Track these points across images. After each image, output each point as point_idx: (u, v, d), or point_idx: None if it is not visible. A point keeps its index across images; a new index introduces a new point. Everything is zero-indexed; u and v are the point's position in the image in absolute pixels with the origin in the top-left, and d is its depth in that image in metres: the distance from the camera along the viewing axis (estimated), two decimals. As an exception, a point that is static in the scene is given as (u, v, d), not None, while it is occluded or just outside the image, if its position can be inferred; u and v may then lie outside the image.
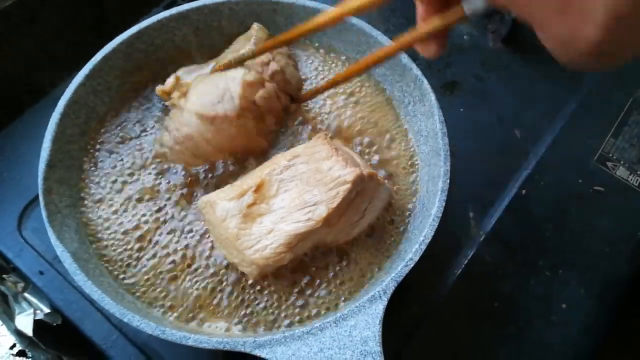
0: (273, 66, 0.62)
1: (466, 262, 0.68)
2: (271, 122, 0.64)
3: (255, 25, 0.66)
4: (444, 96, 0.81)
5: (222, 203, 0.54)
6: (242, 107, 0.60)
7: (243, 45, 0.63)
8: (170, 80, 0.62)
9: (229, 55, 0.63)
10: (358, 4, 0.50)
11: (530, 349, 0.65)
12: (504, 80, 0.84)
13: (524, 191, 0.74)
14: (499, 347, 0.65)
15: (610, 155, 0.77)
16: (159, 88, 0.62)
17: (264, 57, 0.62)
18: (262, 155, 0.63)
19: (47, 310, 0.65)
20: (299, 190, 0.54)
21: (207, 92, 0.60)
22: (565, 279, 0.69)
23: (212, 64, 0.65)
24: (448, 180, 0.56)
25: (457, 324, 0.66)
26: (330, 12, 0.53)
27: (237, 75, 0.60)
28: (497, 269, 0.69)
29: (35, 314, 0.64)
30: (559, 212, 0.73)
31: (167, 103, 0.62)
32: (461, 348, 0.64)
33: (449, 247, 0.69)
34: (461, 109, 0.80)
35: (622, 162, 0.76)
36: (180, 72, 0.63)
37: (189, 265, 0.58)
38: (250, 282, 0.57)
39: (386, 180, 0.62)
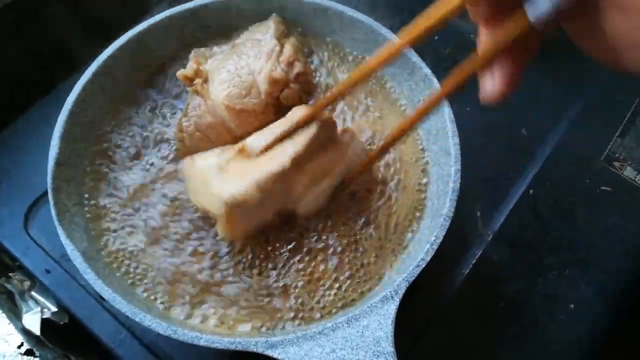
0: (298, 67, 0.63)
1: (474, 262, 0.68)
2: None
3: (274, 17, 0.66)
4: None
5: (203, 159, 0.57)
6: (267, 102, 0.62)
7: (261, 33, 0.64)
8: (191, 65, 0.62)
9: (247, 42, 0.64)
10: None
11: (537, 349, 0.65)
12: (510, 78, 0.83)
13: (531, 191, 0.74)
14: (507, 348, 0.65)
15: (617, 155, 0.77)
16: (180, 72, 0.62)
17: (289, 56, 0.63)
18: None
19: (54, 308, 0.65)
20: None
21: (233, 83, 0.60)
22: (573, 278, 0.69)
23: (225, 47, 0.65)
24: (459, 180, 0.56)
25: (465, 324, 0.66)
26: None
27: (263, 70, 0.61)
28: (504, 269, 0.69)
29: (42, 312, 0.64)
30: (567, 212, 0.73)
31: (188, 89, 0.62)
32: (469, 348, 0.65)
33: (456, 246, 0.69)
34: (468, 108, 0.80)
35: (629, 162, 0.76)
36: (195, 54, 0.64)
37: (197, 262, 0.57)
38: (261, 280, 0.57)
39: (397, 182, 0.62)
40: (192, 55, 0.64)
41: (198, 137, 0.62)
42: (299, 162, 0.54)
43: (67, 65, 0.76)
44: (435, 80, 0.62)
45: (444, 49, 0.86)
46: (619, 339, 0.68)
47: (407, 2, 0.91)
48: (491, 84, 0.35)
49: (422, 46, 0.84)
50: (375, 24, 0.66)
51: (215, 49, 0.65)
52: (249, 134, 0.61)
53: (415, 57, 0.63)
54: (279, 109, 0.64)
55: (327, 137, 0.56)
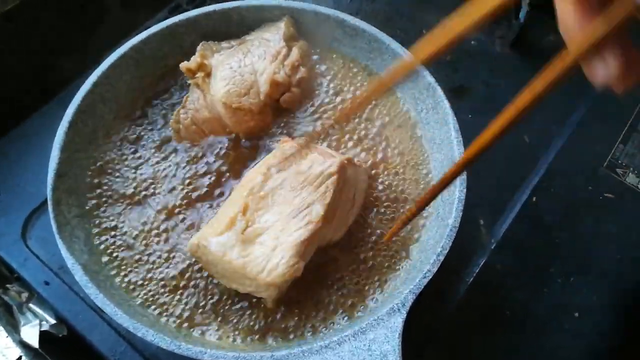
0: (302, 72, 0.64)
1: (477, 270, 0.68)
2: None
3: (286, 19, 0.67)
4: (452, 102, 0.81)
5: (215, 239, 0.52)
6: (266, 103, 0.62)
7: (271, 34, 0.65)
8: (195, 58, 0.62)
9: (255, 40, 0.65)
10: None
11: (542, 358, 0.64)
12: (512, 85, 0.82)
13: (534, 198, 0.73)
14: (512, 357, 0.64)
15: (620, 161, 0.76)
16: (183, 65, 0.62)
17: (295, 60, 0.64)
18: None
19: (52, 321, 0.64)
20: (286, 198, 0.54)
21: (234, 81, 0.61)
22: (577, 286, 0.68)
23: (233, 42, 0.66)
24: (465, 190, 0.55)
25: (469, 333, 0.65)
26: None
27: (266, 71, 0.61)
28: (508, 278, 0.68)
29: (40, 325, 0.63)
30: (570, 219, 0.73)
31: (190, 82, 0.63)
32: (474, 358, 0.64)
33: (460, 255, 0.68)
34: (469, 115, 0.79)
35: (631, 169, 0.76)
36: (202, 47, 0.64)
37: (197, 272, 0.57)
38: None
39: (401, 191, 0.61)
40: (199, 47, 0.64)
41: (193, 130, 0.62)
42: (327, 217, 0.53)
43: (65, 75, 0.75)
44: (439, 88, 0.61)
45: (444, 56, 0.85)
46: (624, 348, 0.68)
47: (407, 10, 0.90)
48: (604, 67, 0.33)
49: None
50: (378, 32, 0.65)
51: (224, 44, 0.66)
52: (244, 132, 0.62)
53: (418, 66, 0.63)
54: (277, 111, 0.64)
55: (343, 181, 0.56)
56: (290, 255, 0.51)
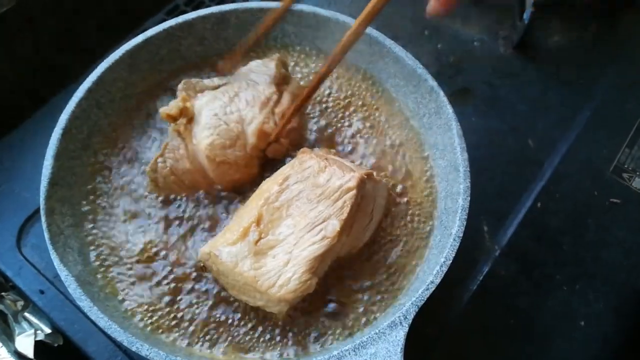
0: (293, 122, 0.59)
1: (481, 278, 0.66)
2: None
3: (277, 58, 0.63)
4: (455, 104, 0.79)
5: (226, 249, 0.51)
6: (252, 155, 0.58)
7: (259, 74, 0.61)
8: (176, 103, 0.58)
9: (243, 82, 0.61)
10: None
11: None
12: (516, 87, 0.82)
13: (539, 204, 0.72)
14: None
15: (626, 166, 0.75)
16: (163, 110, 0.57)
17: (286, 108, 0.59)
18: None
19: (48, 330, 0.63)
20: (302, 211, 0.52)
21: (219, 131, 0.57)
22: (583, 293, 0.67)
23: (216, 80, 0.62)
24: (469, 198, 0.54)
25: (473, 342, 0.64)
26: None
27: (255, 120, 0.58)
28: (513, 285, 0.67)
29: (35, 334, 0.62)
30: (576, 225, 0.71)
31: (170, 129, 0.59)
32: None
33: (463, 262, 0.66)
34: (473, 118, 0.78)
35: (637, 173, 0.74)
36: (184, 86, 0.59)
37: (194, 285, 0.56)
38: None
39: (404, 198, 0.60)
40: (180, 86, 0.59)
41: (172, 180, 0.58)
42: (343, 232, 0.52)
43: (60, 79, 0.74)
44: (441, 93, 0.60)
45: (447, 57, 0.84)
46: (626, 351, 0.66)
47: (408, 10, 0.89)
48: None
49: (425, 55, 0.84)
50: (380, 35, 0.64)
51: (207, 81, 0.61)
52: (229, 184, 0.59)
53: (420, 69, 0.61)
54: (264, 160, 0.61)
55: (361, 196, 0.54)
56: (303, 271, 0.49)
